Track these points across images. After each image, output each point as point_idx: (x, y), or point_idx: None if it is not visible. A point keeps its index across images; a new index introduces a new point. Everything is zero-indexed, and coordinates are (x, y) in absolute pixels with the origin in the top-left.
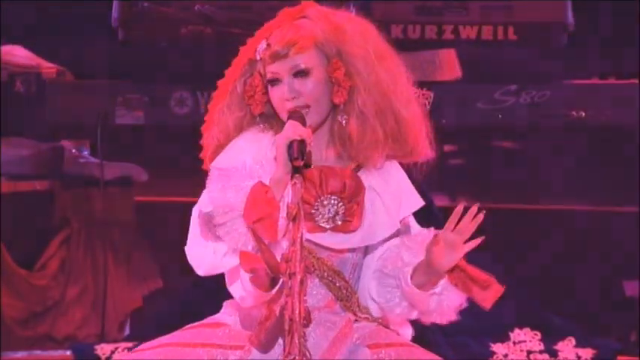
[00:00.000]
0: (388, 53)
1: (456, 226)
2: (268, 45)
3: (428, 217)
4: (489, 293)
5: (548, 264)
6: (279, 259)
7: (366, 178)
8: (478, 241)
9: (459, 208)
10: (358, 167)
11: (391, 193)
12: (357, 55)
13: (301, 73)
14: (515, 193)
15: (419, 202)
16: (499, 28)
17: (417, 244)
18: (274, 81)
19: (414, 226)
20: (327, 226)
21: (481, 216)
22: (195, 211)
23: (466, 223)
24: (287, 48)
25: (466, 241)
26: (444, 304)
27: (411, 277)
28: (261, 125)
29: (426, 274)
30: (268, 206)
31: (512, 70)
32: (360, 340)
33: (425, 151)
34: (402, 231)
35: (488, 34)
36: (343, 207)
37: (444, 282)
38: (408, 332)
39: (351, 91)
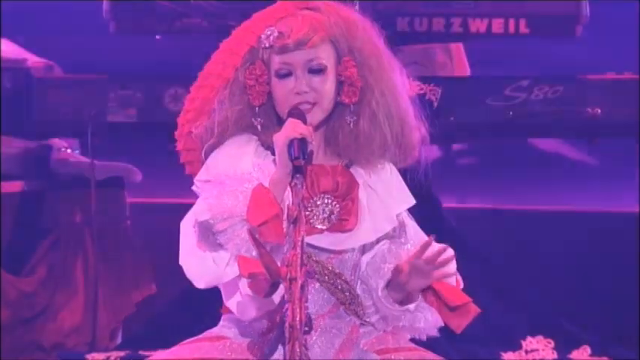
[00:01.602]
0: (390, 53)
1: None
2: (280, 34)
3: (437, 221)
4: (462, 318)
5: (563, 268)
6: (279, 264)
7: (358, 174)
8: (450, 272)
9: (429, 240)
10: (348, 164)
11: (385, 188)
12: (369, 53)
13: (317, 69)
14: (526, 194)
15: (410, 200)
16: (510, 20)
17: (398, 258)
18: (284, 73)
19: (410, 224)
20: (323, 227)
21: (450, 254)
22: (187, 221)
23: (434, 256)
24: (304, 40)
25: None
26: (417, 322)
27: (389, 289)
28: (258, 119)
29: (400, 291)
30: (273, 208)
31: (523, 65)
32: (368, 346)
33: (415, 156)
34: (397, 229)
35: (498, 27)
36: (338, 205)
37: (419, 300)
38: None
39: (363, 92)
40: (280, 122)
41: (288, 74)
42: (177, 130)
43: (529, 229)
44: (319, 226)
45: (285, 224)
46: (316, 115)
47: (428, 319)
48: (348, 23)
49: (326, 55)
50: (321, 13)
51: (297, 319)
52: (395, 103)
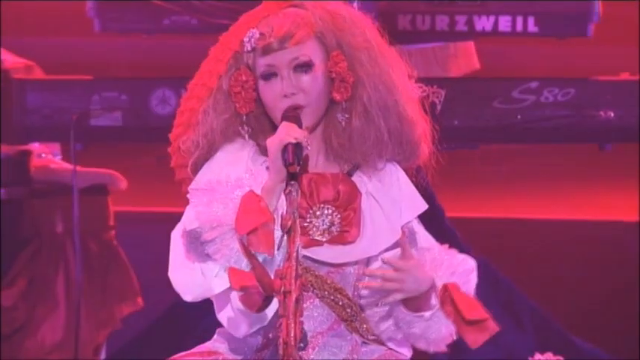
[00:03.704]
0: (385, 44)
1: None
2: (262, 35)
3: (440, 231)
4: (479, 334)
5: (573, 282)
6: (272, 276)
7: (361, 182)
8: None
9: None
10: (351, 170)
11: (390, 198)
12: (359, 45)
13: (303, 67)
14: (536, 202)
15: (422, 206)
16: (518, 18)
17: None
18: (269, 75)
19: (420, 232)
20: (324, 239)
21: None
22: (176, 231)
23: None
24: (286, 38)
25: None
26: (431, 332)
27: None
28: (246, 128)
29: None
30: (262, 216)
31: (532, 66)
32: None
33: (425, 154)
34: (407, 237)
35: (505, 26)
36: (339, 216)
37: (436, 309)
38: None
39: (354, 87)
40: (274, 128)
41: (274, 76)
42: (170, 146)
43: (544, 241)
44: (319, 238)
45: (276, 234)
46: (309, 118)
47: (441, 331)
48: (334, 17)
49: (312, 52)
50: (305, 9)
51: (292, 335)
52: (390, 97)
